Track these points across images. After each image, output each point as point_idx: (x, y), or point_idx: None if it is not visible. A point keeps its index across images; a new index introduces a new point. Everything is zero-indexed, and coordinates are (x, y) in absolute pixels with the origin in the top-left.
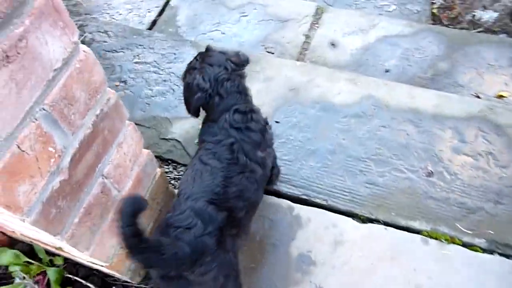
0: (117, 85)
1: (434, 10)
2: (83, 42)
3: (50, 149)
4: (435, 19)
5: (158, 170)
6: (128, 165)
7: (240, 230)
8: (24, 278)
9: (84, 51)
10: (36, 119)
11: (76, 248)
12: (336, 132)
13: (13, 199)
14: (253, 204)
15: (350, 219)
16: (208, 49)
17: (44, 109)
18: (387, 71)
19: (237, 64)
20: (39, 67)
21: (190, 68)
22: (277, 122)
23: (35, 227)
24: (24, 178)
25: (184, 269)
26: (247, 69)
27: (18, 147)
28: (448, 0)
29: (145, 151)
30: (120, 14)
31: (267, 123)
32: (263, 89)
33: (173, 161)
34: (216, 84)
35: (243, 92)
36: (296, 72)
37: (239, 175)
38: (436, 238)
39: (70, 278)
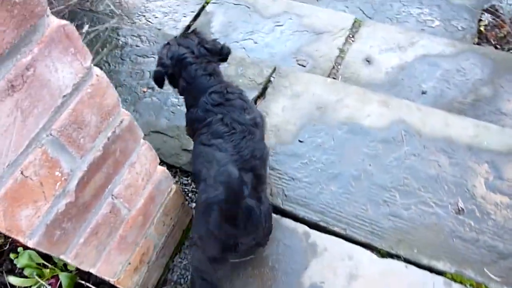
0: (144, 91)
1: (482, 28)
2: (116, 46)
3: (56, 173)
4: (482, 38)
5: (174, 186)
6: (140, 184)
7: (265, 185)
8: (37, 282)
9: (97, 75)
10: (42, 145)
11: (80, 267)
12: (362, 157)
13: (15, 223)
14: (264, 161)
15: (368, 251)
16: (192, 31)
17: (51, 135)
18: (423, 93)
19: (210, 51)
20: (47, 94)
21: (166, 44)
22: (300, 141)
23: (38, 248)
24: (27, 203)
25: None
26: (276, 83)
27: (22, 173)
28: (498, 18)
29: (160, 168)
30: (156, 17)
31: (241, 92)
32: (290, 106)
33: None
34: (178, 65)
35: (214, 74)
36: (326, 89)
37: (243, 140)
38: (460, 282)
39: (82, 284)
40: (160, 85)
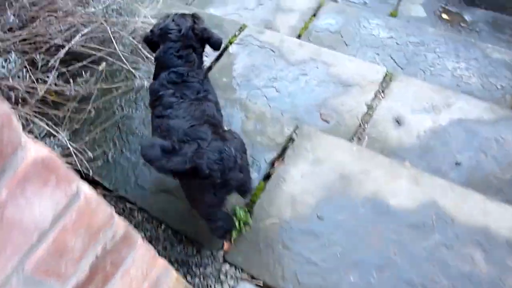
0: None
1: None
2: (132, 88)
3: None
4: None
5: (174, 274)
6: (134, 286)
7: (223, 128)
8: None
9: (85, 194)
10: (11, 285)
11: None
12: (387, 243)
13: None
14: (218, 120)
15: None
16: (192, 14)
17: (23, 272)
18: (457, 164)
19: (197, 36)
20: (19, 235)
21: (166, 16)
22: (319, 217)
23: None
24: None
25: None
26: (297, 145)
27: None
28: None
29: (160, 261)
30: None
31: (206, 77)
32: (310, 174)
33: (199, 243)
34: (162, 37)
35: (184, 58)
36: (351, 158)
37: (191, 106)
38: None
39: None
40: (153, 49)
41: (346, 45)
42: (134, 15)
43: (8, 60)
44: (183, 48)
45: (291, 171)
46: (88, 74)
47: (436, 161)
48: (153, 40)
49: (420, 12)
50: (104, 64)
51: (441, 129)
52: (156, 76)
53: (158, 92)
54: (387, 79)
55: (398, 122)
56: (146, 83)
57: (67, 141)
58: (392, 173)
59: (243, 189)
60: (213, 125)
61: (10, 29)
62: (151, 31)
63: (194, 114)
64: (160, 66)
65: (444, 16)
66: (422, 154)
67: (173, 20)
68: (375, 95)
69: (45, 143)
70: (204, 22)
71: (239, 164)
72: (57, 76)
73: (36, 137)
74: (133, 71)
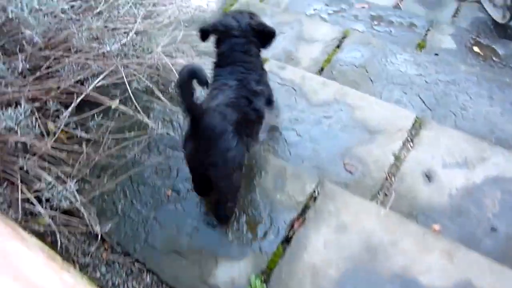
0: (168, 195)
1: None
2: (145, 130)
3: None
4: None
5: None
6: None
7: (253, 133)
8: None
9: None
10: None
11: None
12: None
13: None
14: (260, 115)
15: None
16: (249, 12)
17: None
18: (493, 229)
19: (254, 30)
20: None
21: (225, 14)
22: None
23: None
24: None
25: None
26: (319, 205)
27: None
28: None
29: None
30: None
31: (263, 69)
32: (333, 241)
33: None
34: (223, 32)
35: (248, 52)
36: (378, 224)
37: (245, 92)
38: None
39: None
40: (203, 39)
41: (372, 81)
42: (149, 51)
43: (17, 110)
44: (245, 44)
45: (313, 237)
46: (100, 118)
47: (470, 225)
48: (210, 33)
49: (449, 44)
50: (117, 102)
51: (475, 188)
52: (219, 65)
53: (219, 76)
54: (416, 126)
55: (428, 177)
56: (160, 129)
57: (75, 193)
58: (423, 245)
59: (218, 207)
60: (246, 120)
61: (21, 73)
62: (213, 24)
63: (240, 101)
64: (227, 60)
65: (476, 49)
66: (454, 216)
67: (232, 17)
68: (404, 144)
69: (53, 195)
70: (259, 17)
71: (224, 169)
72: (67, 123)
73: (43, 189)
74: (146, 120)
